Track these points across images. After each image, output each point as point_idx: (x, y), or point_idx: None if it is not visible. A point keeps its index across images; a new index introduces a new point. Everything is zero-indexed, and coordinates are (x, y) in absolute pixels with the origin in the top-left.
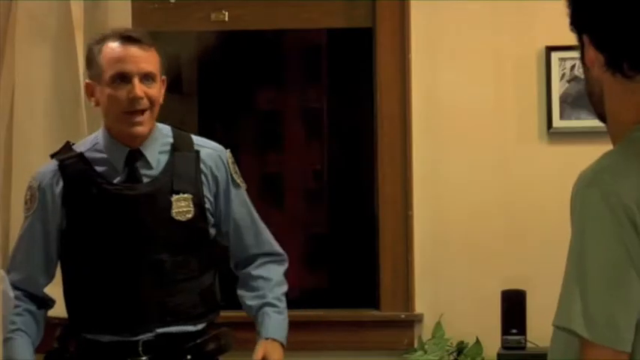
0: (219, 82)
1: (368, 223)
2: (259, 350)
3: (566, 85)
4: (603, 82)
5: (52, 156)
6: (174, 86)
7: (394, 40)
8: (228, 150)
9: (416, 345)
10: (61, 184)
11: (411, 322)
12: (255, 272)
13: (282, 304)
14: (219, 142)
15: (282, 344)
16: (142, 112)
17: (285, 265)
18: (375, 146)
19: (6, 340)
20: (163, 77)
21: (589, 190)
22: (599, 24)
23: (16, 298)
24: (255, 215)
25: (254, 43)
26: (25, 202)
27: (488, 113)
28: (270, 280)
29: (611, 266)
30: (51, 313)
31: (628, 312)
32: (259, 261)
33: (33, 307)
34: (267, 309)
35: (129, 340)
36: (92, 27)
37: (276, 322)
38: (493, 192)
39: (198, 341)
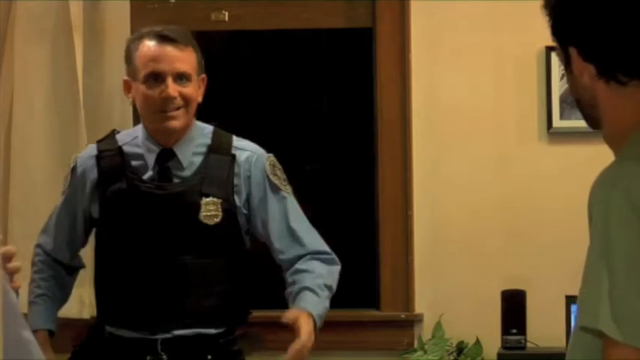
0: (219, 82)
1: (368, 223)
2: (291, 314)
3: (566, 85)
4: (596, 89)
5: (98, 141)
6: None
7: (394, 40)
8: (270, 155)
9: (416, 345)
10: (96, 174)
11: (411, 322)
12: (299, 266)
13: (322, 291)
14: None
15: (315, 322)
16: (176, 109)
17: (335, 266)
18: (375, 146)
19: (30, 304)
20: (203, 76)
21: (611, 192)
22: (587, 36)
23: (43, 262)
24: (298, 222)
25: (254, 43)
26: (64, 180)
27: (488, 113)
28: (312, 272)
29: (636, 267)
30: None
31: None
32: (305, 258)
33: (58, 273)
34: (304, 292)
35: (148, 338)
36: (90, 27)
37: (312, 300)
38: (493, 192)
39: (221, 341)
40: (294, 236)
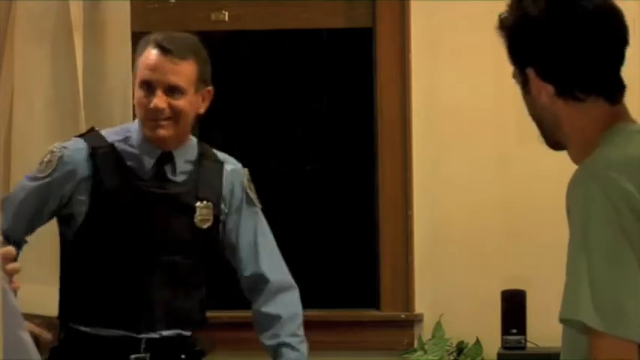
0: (219, 83)
1: (368, 223)
2: None
3: None
4: (555, 108)
5: (81, 136)
6: None
7: (394, 40)
8: (246, 168)
9: (416, 345)
10: (89, 169)
11: (411, 322)
12: (265, 310)
13: (297, 339)
14: (219, 142)
15: None
16: (164, 119)
17: (295, 294)
18: (375, 146)
19: None
20: (208, 88)
21: (588, 184)
22: (545, 57)
23: None
24: (263, 237)
25: (254, 43)
26: (40, 163)
27: (488, 113)
28: (280, 317)
29: (615, 256)
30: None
31: (635, 301)
32: (265, 294)
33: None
34: (283, 349)
35: (132, 336)
36: (91, 27)
37: (294, 357)
38: (493, 192)
39: (190, 341)
40: (255, 250)
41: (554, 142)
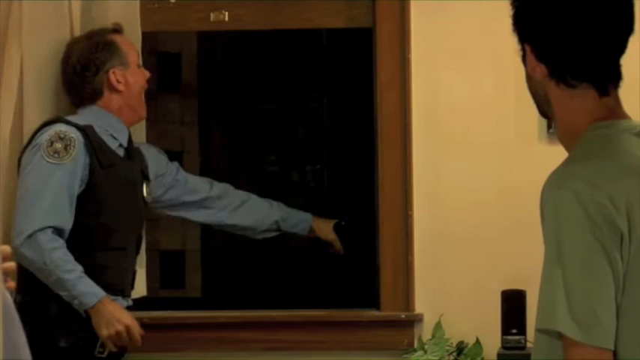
0: (220, 82)
1: (368, 223)
2: None
3: None
4: (547, 87)
5: (54, 123)
6: (174, 86)
7: (394, 40)
8: None
9: (416, 345)
10: (89, 148)
11: (411, 322)
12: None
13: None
14: (219, 142)
15: None
16: None
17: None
18: (375, 146)
19: (78, 277)
20: None
21: (561, 191)
22: (542, 37)
23: (64, 245)
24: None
25: (254, 43)
26: (57, 152)
27: (489, 113)
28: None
29: (589, 265)
30: None
31: (610, 309)
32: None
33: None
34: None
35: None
36: (94, 27)
37: None
38: (493, 192)
39: None
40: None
41: (546, 115)
